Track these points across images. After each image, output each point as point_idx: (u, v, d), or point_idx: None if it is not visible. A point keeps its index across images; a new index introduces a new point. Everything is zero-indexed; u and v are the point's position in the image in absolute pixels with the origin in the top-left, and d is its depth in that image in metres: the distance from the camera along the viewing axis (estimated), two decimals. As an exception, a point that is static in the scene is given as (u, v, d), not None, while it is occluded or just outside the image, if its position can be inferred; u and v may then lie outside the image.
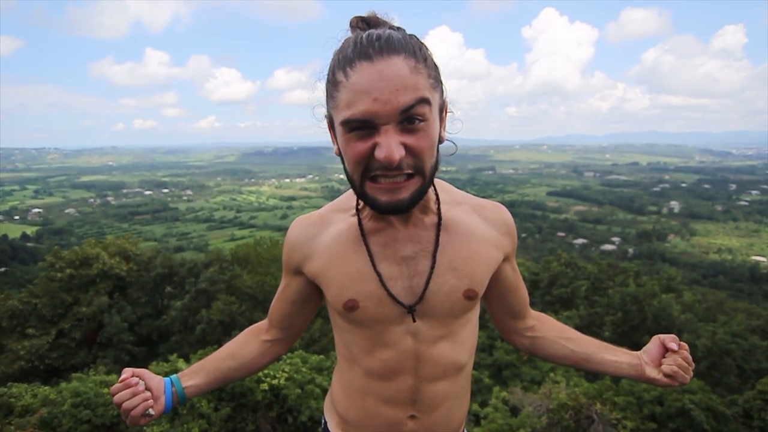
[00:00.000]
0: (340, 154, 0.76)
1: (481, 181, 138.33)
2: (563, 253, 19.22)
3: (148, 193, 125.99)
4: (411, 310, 0.84)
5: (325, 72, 0.73)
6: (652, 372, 0.95)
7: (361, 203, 0.85)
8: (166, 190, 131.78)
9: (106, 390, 8.76)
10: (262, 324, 1.08)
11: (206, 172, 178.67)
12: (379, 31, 0.68)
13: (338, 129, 0.70)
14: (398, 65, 0.64)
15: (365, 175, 0.71)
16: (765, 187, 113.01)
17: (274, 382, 9.16)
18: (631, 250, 66.95)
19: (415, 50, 0.67)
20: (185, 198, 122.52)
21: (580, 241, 74.06)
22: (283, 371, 9.49)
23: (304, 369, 9.87)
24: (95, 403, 8.50)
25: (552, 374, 11.21)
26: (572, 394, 9.33)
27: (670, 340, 0.95)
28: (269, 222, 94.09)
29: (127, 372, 0.89)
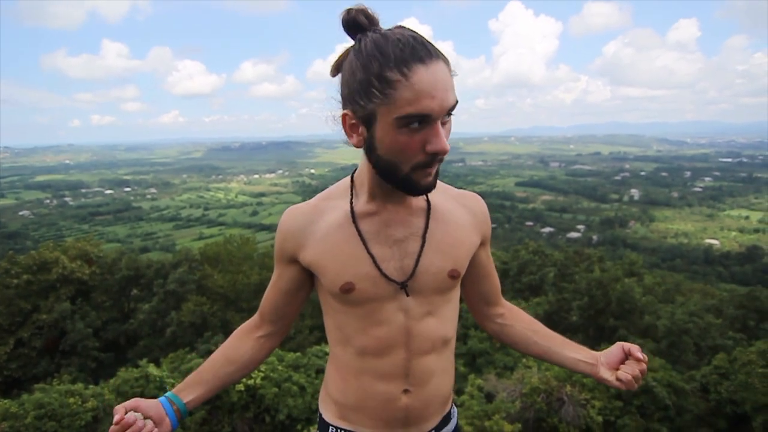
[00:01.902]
0: (363, 146, 0.83)
1: (452, 173, 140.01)
2: (531, 241, 19.77)
3: (108, 192, 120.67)
4: (404, 287, 0.92)
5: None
6: (605, 373, 1.03)
7: (360, 192, 0.93)
8: (128, 189, 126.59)
9: (71, 399, 8.43)
10: (253, 321, 1.08)
11: (171, 169, 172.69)
12: (415, 34, 0.77)
13: (387, 124, 0.76)
14: (443, 69, 0.76)
15: (416, 166, 0.79)
16: (717, 173, 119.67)
17: (250, 382, 9.05)
18: (595, 237, 69.60)
19: (444, 56, 0.78)
20: (149, 196, 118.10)
21: (547, 229, 76.33)
22: (259, 371, 9.38)
23: (280, 367, 9.79)
24: (61, 414, 8.15)
25: (524, 360, 11.57)
26: (543, 378, 9.66)
27: (637, 350, 1.02)
28: (239, 219, 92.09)
29: (119, 411, 0.86)
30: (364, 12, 0.79)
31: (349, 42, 0.83)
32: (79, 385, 9.06)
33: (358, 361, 0.96)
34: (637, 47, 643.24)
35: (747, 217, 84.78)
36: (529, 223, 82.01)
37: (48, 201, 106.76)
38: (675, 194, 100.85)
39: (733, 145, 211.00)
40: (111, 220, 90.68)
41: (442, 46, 0.81)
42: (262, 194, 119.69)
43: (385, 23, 0.83)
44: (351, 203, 0.92)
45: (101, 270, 17.92)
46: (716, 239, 71.42)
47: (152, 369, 8.99)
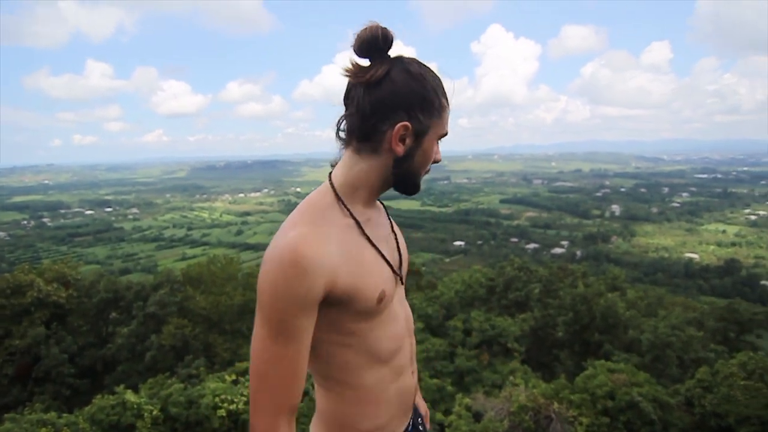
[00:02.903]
0: (402, 155, 0.91)
1: (437, 191, 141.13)
2: (516, 258, 19.91)
3: (89, 212, 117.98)
4: (399, 276, 1.02)
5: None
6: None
7: (352, 203, 0.95)
8: (109, 209, 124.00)
9: (43, 430, 8.06)
10: (278, 427, 0.83)
11: (154, 189, 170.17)
12: None
13: (432, 138, 0.93)
14: None
15: (426, 171, 0.97)
16: (693, 189, 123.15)
17: (232, 407, 8.80)
18: (578, 253, 70.49)
19: None
20: (131, 216, 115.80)
21: (531, 245, 77.08)
22: (242, 395, 9.13)
23: (264, 390, 9.53)
24: (31, 446, 7.76)
25: (512, 377, 11.52)
26: (531, 396, 9.61)
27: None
28: (223, 239, 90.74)
29: None
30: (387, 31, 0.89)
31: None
32: (52, 414, 8.68)
33: (386, 370, 0.97)
34: (613, 68, 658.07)
35: (724, 231, 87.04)
36: (514, 240, 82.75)
37: (25, 222, 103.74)
38: (654, 210, 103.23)
39: (708, 161, 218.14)
40: (91, 241, 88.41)
41: None
42: (248, 213, 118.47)
43: None
44: (353, 217, 0.93)
45: (78, 293, 17.39)
46: (696, 253, 73.02)
47: (130, 396, 8.68)
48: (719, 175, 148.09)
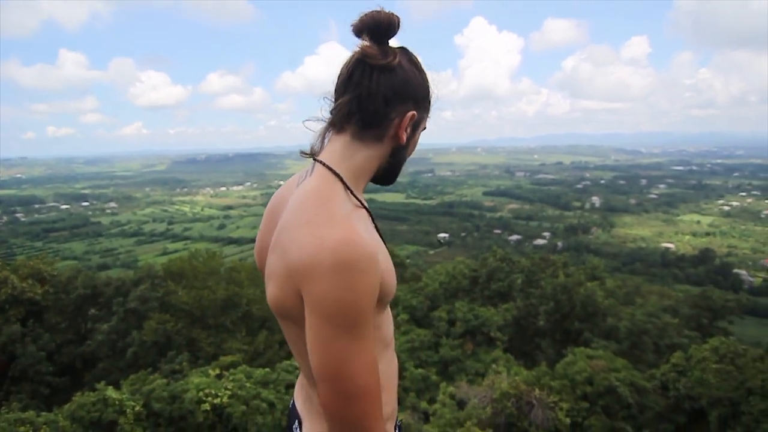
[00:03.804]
0: (403, 143, 0.93)
1: (422, 184, 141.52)
2: (498, 249, 20.17)
3: (64, 207, 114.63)
4: None
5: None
6: None
7: (357, 193, 0.90)
8: (86, 203, 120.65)
9: (22, 429, 7.89)
10: (390, 425, 0.92)
11: (133, 183, 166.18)
12: None
13: (420, 130, 0.97)
14: None
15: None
16: (670, 181, 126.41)
17: (216, 401, 8.76)
18: (560, 244, 71.82)
19: None
20: (109, 211, 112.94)
21: (514, 237, 78.18)
22: (226, 389, 9.10)
23: (248, 384, 9.53)
24: (8, 444, 7.59)
25: (494, 365, 11.73)
26: (513, 383, 9.82)
27: None
28: (206, 233, 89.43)
29: None
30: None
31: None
32: (31, 413, 8.49)
33: (391, 355, 0.98)
34: (594, 62, 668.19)
35: (699, 222, 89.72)
36: (497, 231, 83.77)
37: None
38: (633, 201, 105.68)
39: (684, 154, 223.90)
40: (67, 237, 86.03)
41: None
42: (230, 207, 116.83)
43: (353, 37, 0.88)
44: (365, 207, 0.90)
45: (55, 289, 16.93)
46: (672, 243, 75.15)
47: (111, 392, 8.55)
48: (695, 168, 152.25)
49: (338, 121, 0.89)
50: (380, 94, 0.85)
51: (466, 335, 14.92)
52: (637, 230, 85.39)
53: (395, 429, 1.00)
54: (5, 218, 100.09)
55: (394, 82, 0.86)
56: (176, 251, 60.92)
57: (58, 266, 19.77)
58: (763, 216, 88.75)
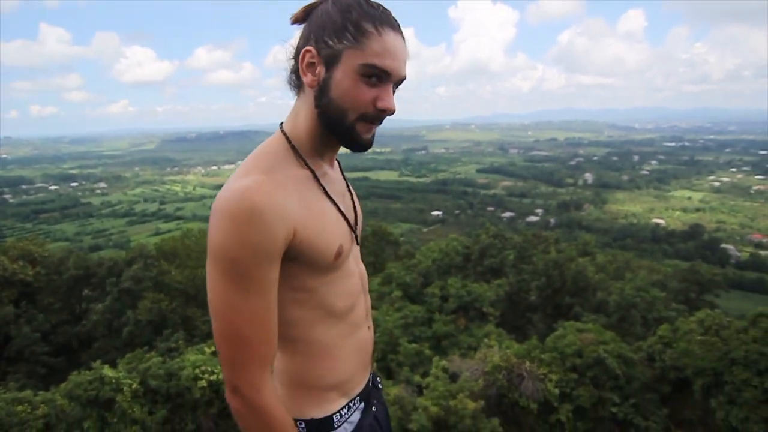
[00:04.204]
0: (316, 86, 0.84)
1: (415, 161, 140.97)
2: (491, 225, 20.30)
3: (53, 188, 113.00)
4: (355, 234, 1.01)
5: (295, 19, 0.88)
6: None
7: (306, 154, 0.90)
8: (75, 184, 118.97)
9: (20, 408, 7.97)
10: (267, 380, 0.83)
11: (122, 162, 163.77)
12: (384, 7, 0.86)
13: (350, 67, 0.81)
14: (405, 44, 0.86)
15: (362, 116, 0.84)
16: (662, 157, 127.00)
17: (213, 377, 8.86)
18: (552, 220, 72.41)
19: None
20: (99, 191, 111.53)
21: (507, 214, 78.63)
22: (222, 365, 9.19)
23: (244, 360, 9.62)
24: (8, 423, 7.70)
25: (486, 339, 11.97)
26: (504, 356, 10.04)
27: None
28: (198, 212, 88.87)
29: None
30: None
31: None
32: (28, 392, 8.56)
33: (342, 325, 0.96)
34: (589, 36, 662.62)
35: (689, 198, 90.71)
36: (491, 209, 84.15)
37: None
38: (625, 177, 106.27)
39: (677, 129, 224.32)
40: (57, 218, 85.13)
41: (404, 33, 0.88)
42: (222, 186, 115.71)
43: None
44: (309, 167, 0.90)
45: (47, 270, 16.87)
46: (662, 219, 76.05)
47: (107, 371, 8.61)
48: (687, 143, 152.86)
49: (289, 84, 0.91)
50: (297, 47, 0.87)
51: (459, 311, 15.15)
52: (629, 206, 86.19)
53: (353, 403, 1.00)
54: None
55: (304, 29, 0.87)
56: (169, 231, 60.68)
57: (49, 248, 19.63)
58: (752, 192, 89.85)
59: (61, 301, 17.20)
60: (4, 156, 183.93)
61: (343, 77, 0.82)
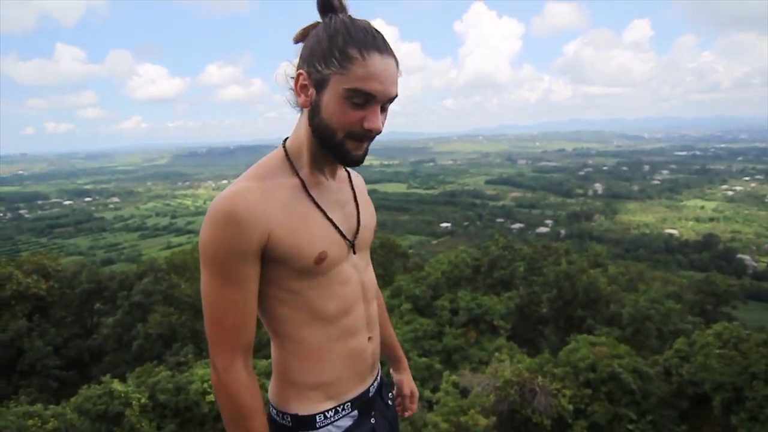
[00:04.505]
0: (309, 107, 0.91)
1: (423, 173, 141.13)
2: (501, 237, 20.14)
3: (67, 203, 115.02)
4: (352, 245, 1.03)
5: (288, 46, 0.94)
6: (403, 380, 1.37)
7: (300, 165, 0.97)
8: (89, 199, 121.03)
9: (31, 422, 7.99)
10: (242, 363, 0.91)
11: (134, 177, 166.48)
12: (377, 30, 0.89)
13: (336, 92, 0.86)
14: (393, 64, 0.88)
15: (350, 135, 0.89)
16: (673, 166, 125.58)
17: (222, 391, 8.81)
18: (563, 231, 71.70)
19: (396, 56, 0.90)
20: (112, 206, 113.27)
21: (517, 225, 78.05)
22: (231, 379, 9.15)
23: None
24: (17, 438, 7.69)
25: (497, 353, 11.78)
26: (516, 370, 9.85)
27: (416, 399, 1.37)
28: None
29: None
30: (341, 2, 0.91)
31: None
32: (39, 406, 8.59)
33: (331, 329, 0.99)
34: (595, 47, 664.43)
35: (702, 207, 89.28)
36: (500, 220, 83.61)
37: (1, 214, 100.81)
38: (636, 187, 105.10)
39: (687, 138, 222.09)
40: (71, 232, 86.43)
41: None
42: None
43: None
44: (299, 176, 0.96)
45: (60, 284, 17.06)
46: (675, 229, 74.88)
47: (117, 385, 8.63)
48: (698, 152, 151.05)
49: (290, 101, 0.97)
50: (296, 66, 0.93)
51: (469, 324, 14.97)
52: (641, 216, 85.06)
53: (342, 408, 1.03)
54: (9, 215, 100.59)
55: (300, 52, 0.92)
56: (180, 245, 61.15)
57: (63, 262, 19.90)
58: (767, 200, 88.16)
59: (73, 314, 17.36)
60: (21, 172, 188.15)
61: (330, 100, 0.87)
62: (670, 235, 69.99)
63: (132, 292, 16.65)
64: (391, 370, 1.38)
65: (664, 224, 79.46)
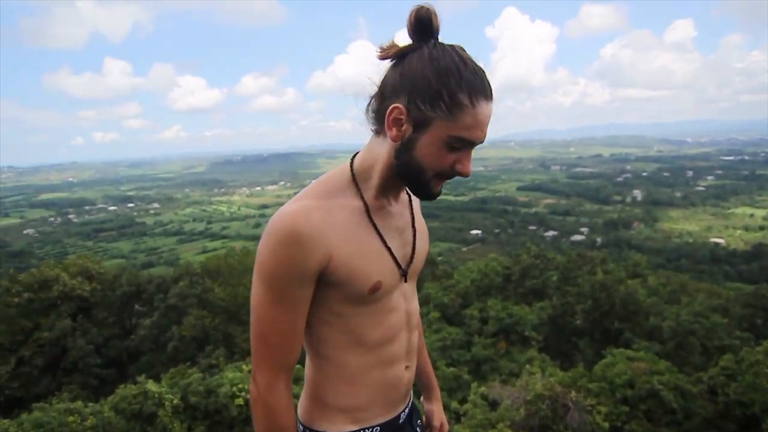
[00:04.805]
0: (399, 143, 0.86)
1: (454, 180, 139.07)
2: (533, 245, 19.65)
3: (112, 208, 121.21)
4: (404, 273, 0.99)
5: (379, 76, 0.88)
6: (433, 409, 1.34)
7: (366, 187, 0.93)
8: (131, 205, 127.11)
9: (71, 418, 8.36)
10: (284, 384, 0.91)
11: (174, 184, 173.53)
12: (477, 64, 0.83)
13: (438, 137, 0.83)
14: (491, 109, 0.85)
15: (438, 175, 0.88)
16: (719, 172, 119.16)
17: (249, 396, 8.94)
18: (599, 240, 69.23)
19: None
20: (152, 211, 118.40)
21: (550, 233, 76.02)
22: (259, 384, 9.29)
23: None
24: (58, 433, 8.06)
25: (528, 366, 11.42)
26: (548, 384, 9.51)
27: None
28: (242, 232, 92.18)
29: None
30: (437, 16, 0.83)
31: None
32: (78, 403, 8.99)
33: (372, 356, 0.97)
34: (634, 48, 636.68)
35: (752, 215, 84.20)
36: (533, 227, 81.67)
37: (52, 219, 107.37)
38: (678, 194, 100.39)
39: (734, 142, 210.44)
40: (115, 236, 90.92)
41: None
42: (265, 206, 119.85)
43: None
44: (363, 199, 0.93)
45: (102, 286, 17.91)
46: (722, 238, 70.91)
47: (151, 385, 8.91)
48: (746, 157, 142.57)
49: (367, 118, 0.93)
50: (383, 86, 0.87)
51: (499, 334, 14.61)
52: (684, 225, 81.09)
53: (369, 430, 1.01)
54: (59, 219, 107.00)
55: (394, 74, 0.85)
56: (215, 249, 63.14)
57: (105, 265, 20.92)
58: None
59: (114, 315, 18.17)
60: (71, 179, 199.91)
61: (428, 142, 0.84)
62: (716, 244, 66.24)
63: (168, 295, 17.26)
64: (422, 398, 1.36)
65: (709, 233, 75.38)
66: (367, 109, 0.91)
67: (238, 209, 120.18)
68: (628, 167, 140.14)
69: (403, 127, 0.84)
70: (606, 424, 8.62)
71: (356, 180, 0.93)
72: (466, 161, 0.87)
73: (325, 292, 0.90)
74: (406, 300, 1.02)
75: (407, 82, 0.82)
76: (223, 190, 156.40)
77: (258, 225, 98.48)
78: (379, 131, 0.90)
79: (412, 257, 1.01)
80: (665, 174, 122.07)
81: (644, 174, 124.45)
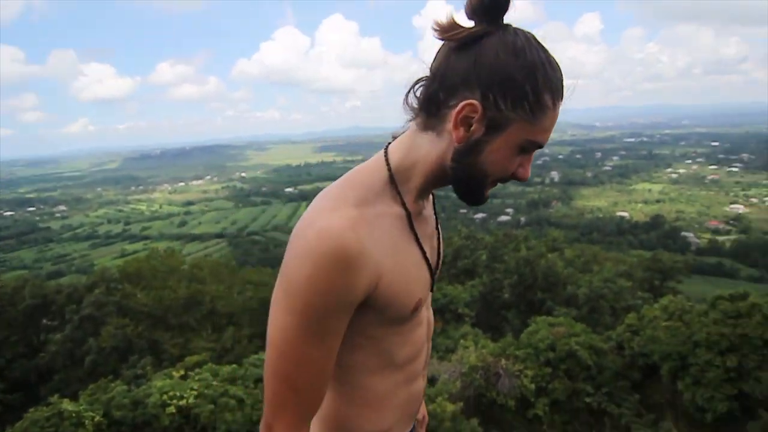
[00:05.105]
0: (463, 144, 0.72)
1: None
2: (463, 227, 20.52)
3: (8, 213, 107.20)
4: (434, 283, 0.90)
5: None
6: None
7: (405, 190, 0.79)
8: (32, 209, 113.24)
9: (-32, 452, 7.38)
10: (299, 424, 0.75)
11: (83, 183, 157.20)
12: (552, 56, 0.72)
13: (514, 141, 0.71)
14: None
15: (497, 180, 0.77)
16: (623, 153, 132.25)
17: (182, 402, 8.50)
18: (522, 219, 74.05)
19: None
20: (58, 215, 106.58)
21: (479, 215, 79.75)
22: (192, 389, 8.85)
23: (215, 383, 9.31)
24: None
25: (462, 340, 12.00)
26: (480, 355, 10.09)
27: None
28: (165, 231, 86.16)
29: None
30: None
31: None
32: (-21, 434, 7.98)
33: (399, 375, 0.88)
34: (551, 40, 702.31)
35: (650, 190, 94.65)
36: (463, 211, 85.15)
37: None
38: (589, 174, 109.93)
39: (635, 126, 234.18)
40: (14, 245, 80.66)
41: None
42: (191, 203, 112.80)
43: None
44: (405, 206, 0.79)
45: (1, 302, 15.88)
46: (626, 212, 78.96)
47: (67, 405, 8.13)
48: (645, 139, 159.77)
49: (416, 105, 0.77)
50: (442, 74, 0.71)
51: (435, 314, 15.16)
52: (594, 201, 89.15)
53: None
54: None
55: (461, 62, 0.69)
56: (135, 252, 58.50)
57: (5, 277, 18.55)
58: (707, 181, 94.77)
59: (17, 333, 16.21)
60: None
61: (502, 146, 0.72)
62: (622, 217, 73.74)
63: (82, 305, 15.73)
64: None
65: (615, 207, 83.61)
66: (407, 97, 0.77)
67: (160, 207, 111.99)
68: (546, 151, 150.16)
69: (473, 128, 0.70)
70: (532, 386, 9.35)
71: (395, 181, 0.78)
72: (527, 165, 0.77)
73: (363, 316, 0.76)
74: (428, 310, 0.96)
75: (484, 74, 0.68)
76: (141, 187, 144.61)
77: (184, 223, 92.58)
78: (428, 126, 0.75)
79: (438, 264, 0.91)
80: (578, 156, 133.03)
81: (560, 157, 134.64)
